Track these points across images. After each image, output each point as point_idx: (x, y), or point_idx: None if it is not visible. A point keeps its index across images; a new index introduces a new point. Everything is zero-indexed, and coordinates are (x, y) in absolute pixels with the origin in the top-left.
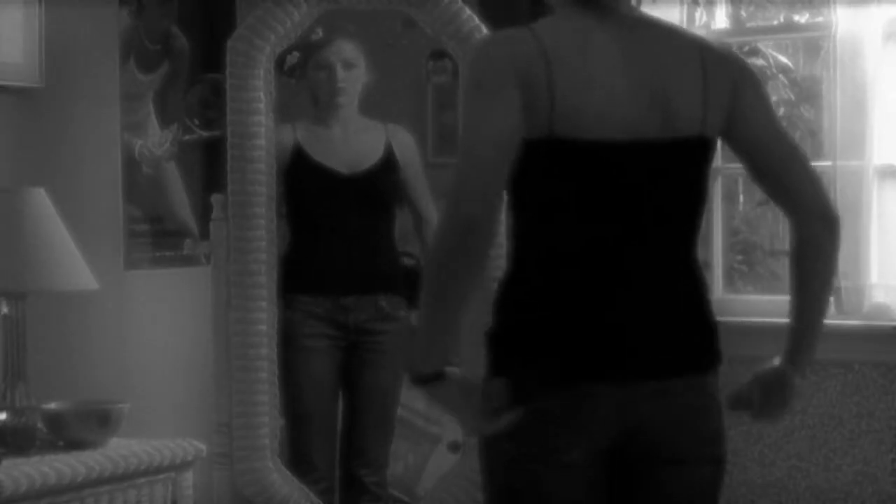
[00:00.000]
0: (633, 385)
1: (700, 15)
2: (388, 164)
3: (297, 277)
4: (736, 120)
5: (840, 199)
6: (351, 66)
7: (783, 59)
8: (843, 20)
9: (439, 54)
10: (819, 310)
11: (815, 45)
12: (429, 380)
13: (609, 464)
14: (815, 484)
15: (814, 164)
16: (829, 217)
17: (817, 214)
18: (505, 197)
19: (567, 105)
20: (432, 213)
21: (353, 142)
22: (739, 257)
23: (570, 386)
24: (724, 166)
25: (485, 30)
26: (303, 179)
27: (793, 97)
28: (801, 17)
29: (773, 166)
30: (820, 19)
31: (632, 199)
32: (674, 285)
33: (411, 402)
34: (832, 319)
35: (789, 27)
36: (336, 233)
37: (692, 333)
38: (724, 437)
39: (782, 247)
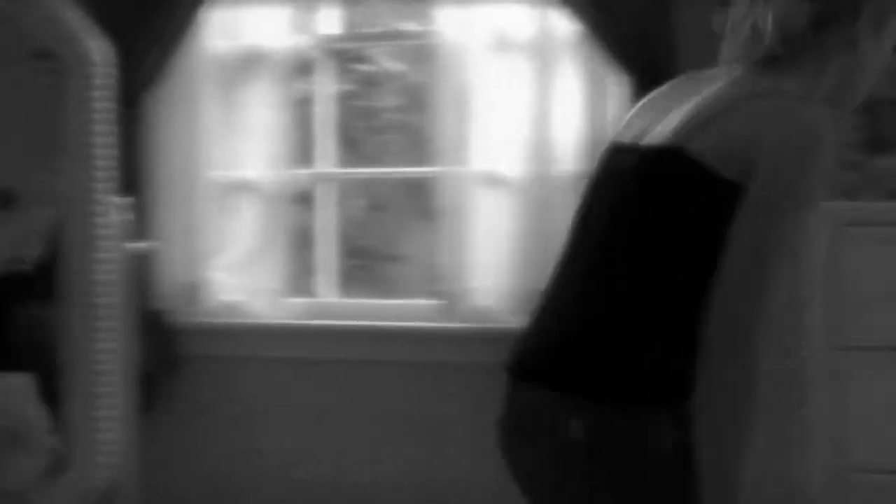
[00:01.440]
0: None
1: (309, 20)
2: None
3: None
4: None
5: (445, 205)
6: None
7: (392, 65)
8: (448, 28)
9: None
10: None
11: (424, 53)
12: None
13: None
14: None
15: (422, 169)
16: None
17: None
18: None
19: None
20: None
21: None
22: (354, 261)
23: None
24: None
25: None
26: None
27: (402, 103)
28: (412, 25)
29: None
30: (429, 27)
31: None
32: None
33: None
34: (438, 323)
35: (399, 34)
36: None
37: None
38: None
39: (395, 251)
